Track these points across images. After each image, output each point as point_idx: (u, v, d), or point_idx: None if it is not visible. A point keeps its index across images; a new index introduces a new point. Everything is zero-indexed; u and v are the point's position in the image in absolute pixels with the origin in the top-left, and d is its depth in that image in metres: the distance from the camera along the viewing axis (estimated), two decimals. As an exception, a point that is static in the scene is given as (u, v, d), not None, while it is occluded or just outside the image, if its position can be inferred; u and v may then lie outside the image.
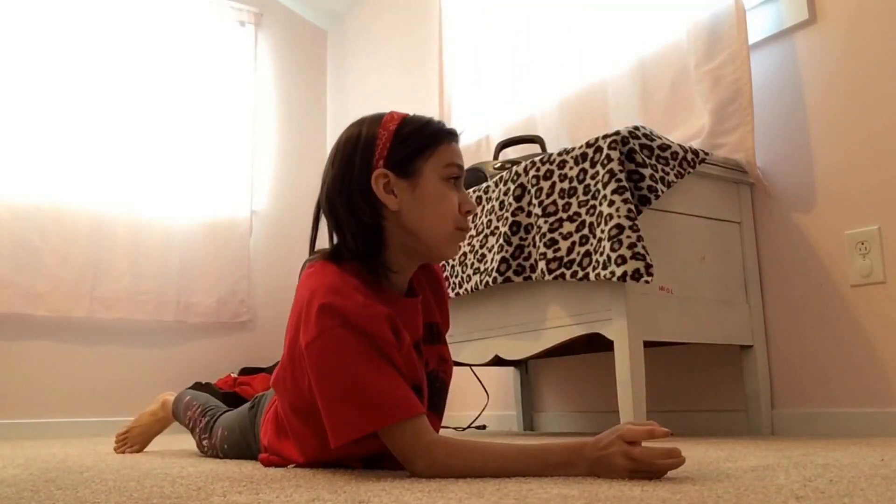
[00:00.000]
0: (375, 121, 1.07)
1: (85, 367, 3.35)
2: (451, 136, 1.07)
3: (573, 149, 1.80)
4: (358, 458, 1.09)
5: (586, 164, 1.76)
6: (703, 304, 1.83)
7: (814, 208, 1.88)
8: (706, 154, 1.87)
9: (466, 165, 2.37)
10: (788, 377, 1.90)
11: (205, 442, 1.57)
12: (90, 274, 3.32)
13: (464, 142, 2.97)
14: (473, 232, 2.08)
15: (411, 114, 1.09)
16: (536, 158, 1.91)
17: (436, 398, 1.15)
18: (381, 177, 1.03)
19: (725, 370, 2.03)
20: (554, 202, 1.82)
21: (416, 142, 1.04)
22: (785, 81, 1.96)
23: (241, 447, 1.42)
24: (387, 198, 1.03)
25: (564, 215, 1.79)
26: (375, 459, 1.09)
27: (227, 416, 1.53)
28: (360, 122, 1.09)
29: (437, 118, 1.11)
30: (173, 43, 3.72)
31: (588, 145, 1.77)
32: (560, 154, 1.84)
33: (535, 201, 1.87)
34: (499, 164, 2.16)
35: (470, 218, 1.07)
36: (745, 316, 1.92)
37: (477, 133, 2.92)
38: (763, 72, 1.99)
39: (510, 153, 2.33)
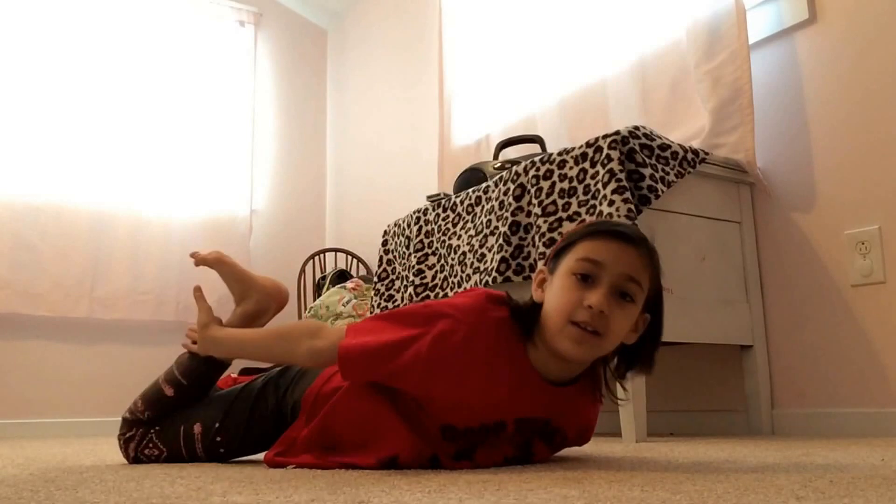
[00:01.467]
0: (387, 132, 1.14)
1: (84, 367, 3.35)
2: (603, 234, 1.02)
3: (573, 148, 1.80)
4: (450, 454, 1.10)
5: (586, 164, 1.76)
6: (703, 304, 1.83)
7: (814, 208, 1.88)
8: (706, 154, 1.87)
9: (466, 165, 2.38)
10: (788, 377, 1.90)
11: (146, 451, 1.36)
12: (90, 274, 3.32)
13: (464, 141, 2.97)
14: (473, 231, 2.08)
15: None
16: (536, 158, 1.91)
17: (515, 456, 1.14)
18: (539, 273, 1.09)
19: (725, 370, 2.03)
20: (554, 202, 1.82)
21: (567, 240, 1.06)
22: (785, 81, 1.96)
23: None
24: (535, 291, 1.07)
25: (564, 215, 1.79)
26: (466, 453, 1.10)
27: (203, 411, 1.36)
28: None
29: (616, 223, 1.09)
30: (173, 42, 3.72)
31: (588, 145, 1.76)
32: (560, 154, 1.84)
33: (534, 201, 1.87)
34: (499, 164, 2.16)
35: (590, 314, 0.98)
36: (746, 316, 1.92)
37: (477, 133, 2.92)
38: (763, 71, 1.99)
39: (510, 153, 2.33)
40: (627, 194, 1.65)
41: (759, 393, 1.89)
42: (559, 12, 2.58)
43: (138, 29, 3.63)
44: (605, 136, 1.73)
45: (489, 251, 1.98)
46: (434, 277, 2.26)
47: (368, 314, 2.65)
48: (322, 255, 3.77)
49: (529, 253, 1.88)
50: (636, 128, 1.76)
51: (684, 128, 2.08)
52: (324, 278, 3.50)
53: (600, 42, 2.41)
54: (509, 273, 1.89)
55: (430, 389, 1.05)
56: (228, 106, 3.85)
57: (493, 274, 1.91)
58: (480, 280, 1.98)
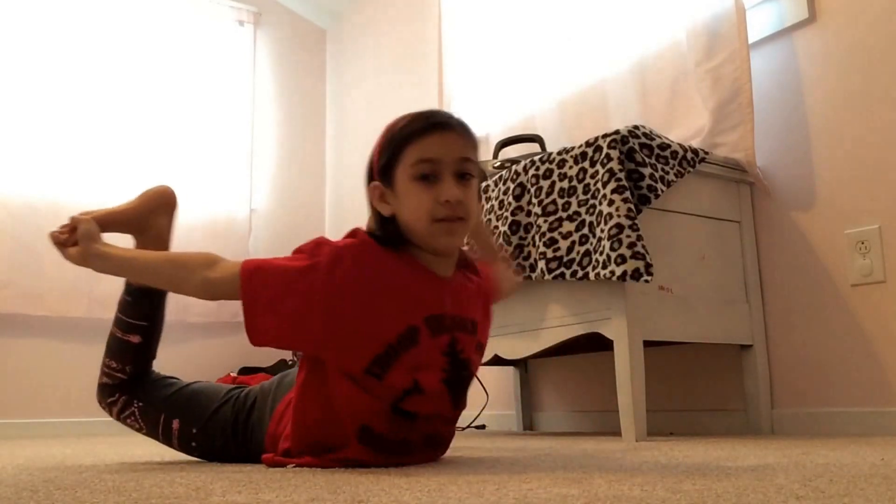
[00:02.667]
0: (381, 129, 1.13)
1: (84, 366, 3.33)
2: (424, 131, 1.06)
3: (573, 148, 1.80)
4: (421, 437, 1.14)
5: (586, 164, 1.76)
6: (702, 303, 1.83)
7: (814, 207, 1.88)
8: (706, 153, 1.87)
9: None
10: (788, 377, 1.90)
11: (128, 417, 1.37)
12: (88, 274, 3.30)
13: (463, 141, 2.97)
14: (473, 231, 2.08)
15: (402, 118, 1.11)
16: (536, 157, 1.91)
17: (459, 386, 1.16)
18: (375, 189, 1.11)
19: (725, 370, 2.03)
20: (553, 201, 1.82)
21: (389, 150, 1.08)
22: (785, 80, 1.96)
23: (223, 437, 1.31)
24: (381, 206, 1.10)
25: (564, 214, 1.79)
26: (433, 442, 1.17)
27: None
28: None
29: (430, 109, 1.12)
30: (172, 42, 3.72)
31: (588, 144, 1.76)
32: (560, 153, 1.84)
33: (534, 200, 1.87)
34: (498, 164, 2.16)
35: (449, 207, 1.04)
36: (745, 315, 1.92)
37: (476, 132, 2.91)
38: (763, 71, 1.99)
39: (510, 152, 2.33)
40: (627, 194, 1.65)
41: (759, 392, 1.89)
42: (559, 12, 2.57)
43: (137, 28, 3.63)
44: (604, 136, 1.73)
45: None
46: (372, 218, 2.25)
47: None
48: (321, 255, 3.77)
49: (529, 252, 1.88)
50: (636, 127, 1.76)
51: (684, 127, 2.08)
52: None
53: (600, 41, 2.41)
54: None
55: (341, 316, 1.04)
56: (227, 105, 3.85)
57: (493, 273, 1.91)
58: (480, 280, 1.98)
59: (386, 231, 1.11)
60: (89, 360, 3.42)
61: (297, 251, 1.10)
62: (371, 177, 1.12)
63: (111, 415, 1.40)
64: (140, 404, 1.36)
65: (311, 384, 1.12)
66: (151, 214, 1.41)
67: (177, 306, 3.51)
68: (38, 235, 3.24)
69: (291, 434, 1.16)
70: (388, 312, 1.07)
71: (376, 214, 1.12)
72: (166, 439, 1.36)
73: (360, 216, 3.87)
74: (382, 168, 1.09)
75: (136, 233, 1.42)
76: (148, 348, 1.39)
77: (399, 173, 1.07)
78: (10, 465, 1.36)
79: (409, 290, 1.09)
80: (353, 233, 1.13)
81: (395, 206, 1.09)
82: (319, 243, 1.08)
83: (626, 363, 1.66)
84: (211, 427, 1.32)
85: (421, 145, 1.06)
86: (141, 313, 1.37)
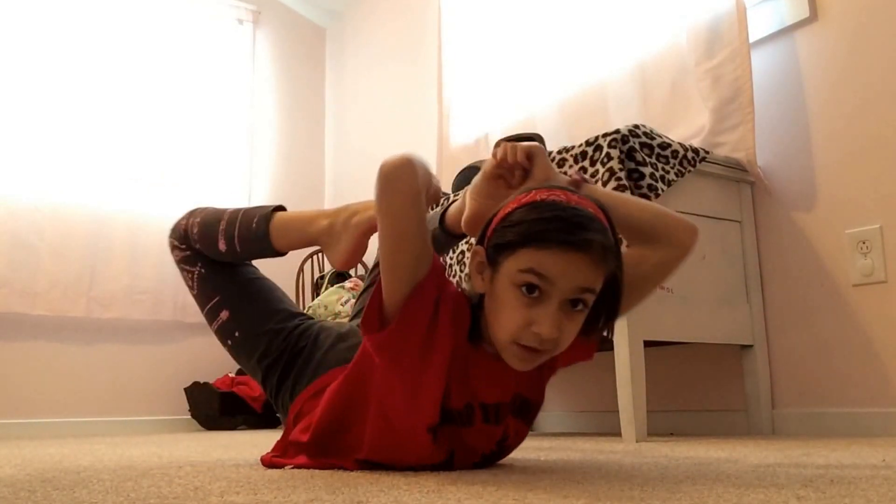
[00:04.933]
0: (513, 197, 0.96)
1: (82, 366, 3.34)
2: (552, 241, 0.86)
3: (573, 147, 1.80)
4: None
5: (586, 163, 1.76)
6: (703, 303, 1.82)
7: (815, 207, 1.88)
8: (706, 153, 1.87)
9: (465, 164, 2.37)
10: (789, 377, 1.90)
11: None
12: (87, 273, 3.31)
13: (463, 140, 2.96)
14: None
15: (552, 198, 0.90)
16: (536, 157, 1.91)
17: (488, 461, 1.09)
18: (476, 255, 0.95)
19: (726, 370, 2.02)
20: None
21: (506, 234, 0.90)
22: (786, 80, 1.96)
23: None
24: (475, 276, 0.95)
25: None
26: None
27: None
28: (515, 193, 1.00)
29: (575, 207, 0.89)
30: (171, 41, 3.71)
31: (588, 144, 1.76)
32: (560, 152, 1.83)
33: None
34: (498, 163, 2.15)
35: (540, 339, 0.88)
36: (746, 315, 1.91)
37: (476, 132, 2.92)
38: (764, 70, 1.99)
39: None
40: (627, 193, 1.65)
41: (760, 393, 1.89)
42: (559, 11, 2.57)
43: (136, 27, 3.62)
44: (605, 135, 1.73)
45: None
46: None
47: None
48: (320, 255, 3.76)
49: (529, 252, 1.88)
50: (636, 126, 1.75)
51: (684, 126, 2.07)
52: (322, 278, 3.50)
53: (600, 41, 2.41)
54: (509, 272, 1.89)
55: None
56: (227, 104, 3.85)
57: (493, 273, 1.90)
58: (480, 279, 1.97)
59: (475, 304, 0.98)
60: (87, 360, 3.44)
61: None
62: (483, 234, 0.96)
63: (171, 253, 1.33)
64: (203, 271, 1.29)
65: (353, 393, 1.04)
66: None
67: (174, 306, 3.52)
68: (36, 234, 3.23)
69: (315, 428, 1.08)
70: (453, 385, 0.97)
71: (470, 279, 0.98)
72: (209, 319, 1.31)
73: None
74: (493, 246, 0.92)
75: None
76: (223, 259, 1.30)
77: (505, 267, 0.90)
78: (8, 465, 1.36)
79: (476, 371, 0.98)
80: (449, 282, 1.00)
81: (487, 292, 0.94)
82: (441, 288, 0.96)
83: (626, 363, 1.65)
84: (252, 344, 1.25)
85: (541, 255, 0.86)
86: (246, 248, 1.28)
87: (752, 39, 1.97)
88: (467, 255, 2.07)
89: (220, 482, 0.94)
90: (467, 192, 1.10)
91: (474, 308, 0.98)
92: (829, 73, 1.87)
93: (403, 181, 0.91)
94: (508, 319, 0.89)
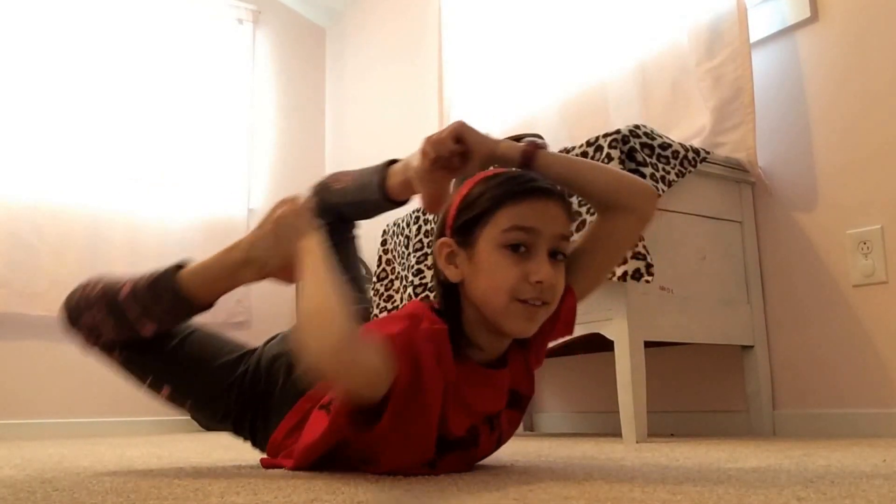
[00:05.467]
0: (456, 185, 0.99)
1: (82, 366, 3.31)
2: (524, 194, 0.90)
3: (573, 147, 1.80)
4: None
5: (586, 163, 1.75)
6: (703, 304, 1.82)
7: (815, 207, 1.88)
8: (707, 153, 1.87)
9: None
10: (790, 377, 1.89)
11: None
12: (87, 273, 3.27)
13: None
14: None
15: (493, 173, 0.95)
16: (536, 157, 1.91)
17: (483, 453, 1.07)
18: (444, 246, 0.95)
19: (726, 370, 2.02)
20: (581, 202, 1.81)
21: (475, 207, 0.92)
22: (786, 80, 1.96)
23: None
24: (447, 268, 0.95)
25: (589, 217, 1.79)
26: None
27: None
28: (455, 184, 1.01)
29: (524, 174, 0.94)
30: (170, 41, 3.71)
31: (588, 144, 1.76)
32: (560, 152, 1.83)
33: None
34: (498, 163, 2.15)
35: (539, 286, 0.89)
36: (746, 316, 1.91)
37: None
38: (764, 70, 1.99)
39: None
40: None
41: (760, 393, 1.89)
42: (559, 11, 2.57)
43: (135, 27, 3.62)
44: (605, 135, 1.72)
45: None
46: (434, 278, 2.25)
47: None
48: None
49: (529, 252, 1.87)
50: (636, 127, 1.75)
51: (685, 127, 2.07)
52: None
53: (601, 41, 2.40)
54: (509, 273, 1.88)
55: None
56: (226, 104, 3.85)
57: (493, 273, 1.90)
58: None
59: (447, 303, 0.96)
60: (87, 360, 3.41)
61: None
62: (441, 231, 0.97)
63: (69, 333, 1.18)
64: (124, 353, 1.19)
65: (333, 441, 0.99)
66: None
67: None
68: (36, 234, 3.23)
69: (300, 463, 1.05)
70: (451, 416, 0.94)
71: (439, 277, 0.97)
72: (153, 395, 1.22)
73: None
74: (462, 225, 0.93)
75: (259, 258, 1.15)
76: (148, 345, 1.18)
77: (484, 236, 0.91)
78: (8, 466, 1.36)
79: (472, 389, 0.95)
80: (417, 310, 0.96)
81: (467, 273, 0.93)
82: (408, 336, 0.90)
83: (626, 364, 1.65)
84: (210, 408, 1.21)
85: (519, 210, 0.90)
86: (170, 320, 1.17)
87: (752, 39, 1.96)
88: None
89: (220, 483, 0.94)
90: (412, 172, 1.11)
91: (450, 317, 0.95)
92: (831, 73, 1.87)
93: (321, 345, 0.83)
94: (503, 278, 0.90)
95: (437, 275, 0.98)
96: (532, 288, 0.90)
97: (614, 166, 1.68)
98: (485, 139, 1.03)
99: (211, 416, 1.23)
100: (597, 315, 1.74)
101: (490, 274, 0.91)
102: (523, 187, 0.91)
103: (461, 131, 1.02)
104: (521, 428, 2.58)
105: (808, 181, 1.89)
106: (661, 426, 2.05)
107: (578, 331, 1.79)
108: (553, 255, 0.92)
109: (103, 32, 3.53)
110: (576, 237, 1.03)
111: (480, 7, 2.96)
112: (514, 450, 1.51)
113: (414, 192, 1.19)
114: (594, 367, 2.40)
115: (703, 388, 2.09)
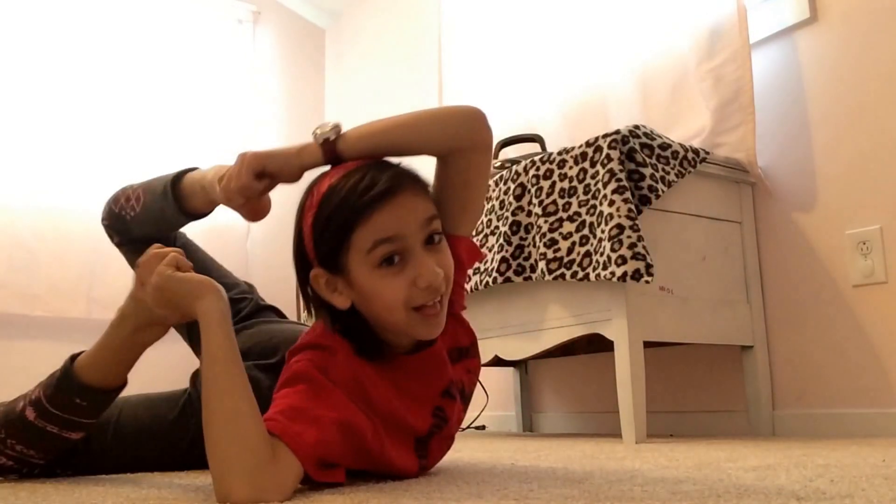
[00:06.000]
0: (300, 210, 0.91)
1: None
2: (371, 205, 0.83)
3: (573, 148, 1.80)
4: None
5: (586, 164, 1.76)
6: (703, 304, 1.82)
7: (815, 208, 1.88)
8: (707, 153, 1.87)
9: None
10: (789, 378, 1.89)
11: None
12: (87, 274, 3.31)
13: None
14: (473, 231, 2.07)
15: (332, 184, 0.87)
16: (536, 158, 1.91)
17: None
18: (319, 277, 0.88)
19: (726, 371, 2.02)
20: (554, 202, 1.81)
21: (330, 238, 0.85)
22: (786, 80, 1.96)
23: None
24: (332, 297, 0.88)
25: (564, 215, 1.79)
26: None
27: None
28: (298, 207, 0.93)
29: (366, 175, 0.85)
30: (170, 41, 3.71)
31: (588, 144, 1.76)
32: (560, 153, 1.83)
33: (535, 201, 1.86)
34: (498, 164, 2.16)
35: (430, 287, 0.85)
36: (746, 316, 1.91)
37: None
38: (764, 71, 1.99)
39: (510, 152, 2.32)
40: (627, 194, 1.65)
41: (760, 393, 1.89)
42: (559, 12, 2.57)
43: (135, 28, 3.62)
44: (605, 136, 1.72)
45: (489, 251, 1.97)
46: (316, 307, 2.23)
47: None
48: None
49: (530, 253, 1.88)
50: (636, 127, 1.75)
51: (685, 127, 2.07)
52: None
53: (601, 41, 2.40)
54: (510, 273, 1.89)
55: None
56: (226, 105, 3.84)
57: (494, 274, 1.91)
58: (481, 281, 1.97)
59: (349, 326, 0.90)
60: (88, 361, 3.42)
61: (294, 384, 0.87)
62: (304, 262, 0.90)
63: None
64: (67, 471, 1.12)
65: None
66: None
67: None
68: (36, 235, 3.23)
69: None
70: (409, 416, 0.93)
71: (325, 307, 0.90)
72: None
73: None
74: (325, 256, 0.87)
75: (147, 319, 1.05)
76: (86, 436, 1.10)
77: (352, 261, 0.85)
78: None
79: (405, 408, 0.92)
80: (319, 336, 0.92)
81: (354, 297, 0.87)
82: (306, 376, 0.86)
83: (626, 364, 1.65)
84: (183, 461, 1.17)
85: (374, 224, 0.83)
86: (95, 413, 1.06)
87: (752, 40, 1.96)
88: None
89: (219, 482, 0.94)
90: (221, 198, 1.06)
91: (356, 334, 0.90)
92: (830, 73, 1.87)
93: (235, 480, 0.75)
94: (392, 294, 0.84)
95: (322, 305, 0.91)
96: (424, 292, 0.85)
97: (614, 167, 1.67)
98: (286, 160, 0.97)
99: (187, 466, 1.19)
100: (597, 315, 1.74)
101: (377, 295, 0.85)
102: (368, 198, 0.83)
103: (258, 166, 0.97)
104: (520, 428, 2.59)
105: (808, 181, 1.89)
106: (660, 426, 2.05)
107: (578, 331, 1.79)
108: (428, 241, 0.86)
109: (103, 34, 3.52)
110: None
111: (481, 9, 2.96)
112: (514, 450, 1.51)
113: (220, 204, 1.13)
114: (594, 367, 2.41)
115: (703, 389, 2.09)
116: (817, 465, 1.01)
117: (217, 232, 3.64)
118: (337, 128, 0.95)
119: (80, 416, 1.04)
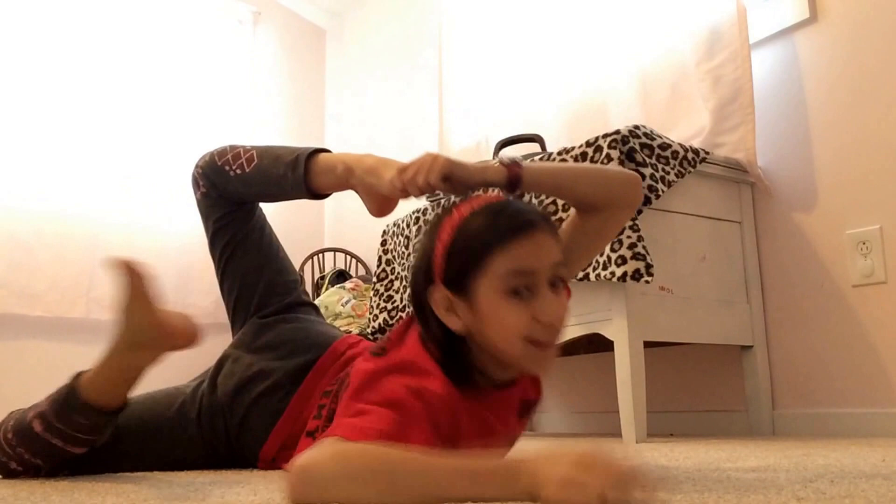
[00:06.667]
0: (434, 227, 0.92)
1: (82, 367, 3.33)
2: (512, 234, 0.85)
3: (573, 148, 1.80)
4: None
5: (586, 164, 1.75)
6: (703, 304, 1.82)
7: (815, 208, 1.88)
8: (707, 153, 1.87)
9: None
10: (789, 377, 1.89)
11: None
12: (87, 274, 3.31)
13: (463, 143, 2.96)
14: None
15: (478, 207, 0.89)
16: (536, 157, 1.91)
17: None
18: (439, 294, 0.89)
19: (726, 370, 2.02)
20: (554, 202, 1.81)
21: (464, 257, 0.87)
22: (786, 80, 1.96)
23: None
24: (448, 319, 0.89)
25: (564, 215, 1.79)
26: None
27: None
28: (430, 225, 0.94)
29: (500, 199, 0.90)
30: (170, 42, 3.71)
31: (588, 144, 1.76)
32: (560, 153, 1.83)
33: (534, 201, 1.86)
34: (498, 164, 2.15)
35: (552, 324, 0.87)
36: (746, 316, 1.91)
37: (476, 134, 2.92)
38: (764, 71, 1.99)
39: (509, 152, 2.32)
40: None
41: (760, 393, 1.89)
42: (559, 12, 2.57)
43: (135, 28, 3.61)
44: (604, 136, 1.72)
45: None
46: (427, 327, 2.24)
47: (367, 314, 2.64)
48: (321, 255, 3.76)
49: (529, 253, 1.88)
50: (636, 127, 1.75)
51: (684, 127, 2.07)
52: (322, 278, 3.50)
53: (601, 42, 2.40)
54: (509, 273, 1.89)
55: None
56: (226, 105, 3.84)
57: (493, 274, 1.90)
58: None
59: (453, 354, 0.90)
60: (88, 361, 3.40)
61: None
62: (428, 277, 0.90)
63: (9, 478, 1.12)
64: (66, 473, 1.14)
65: None
66: (164, 341, 1.07)
67: (174, 307, 3.50)
68: (35, 235, 3.23)
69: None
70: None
71: (440, 327, 0.90)
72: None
73: (358, 217, 3.82)
74: (453, 275, 0.88)
75: (136, 337, 1.07)
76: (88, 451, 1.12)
77: (481, 284, 0.86)
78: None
79: (485, 444, 0.91)
80: (413, 354, 0.91)
81: (471, 322, 0.88)
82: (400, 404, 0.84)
83: (626, 364, 1.65)
84: (182, 459, 1.18)
85: (512, 253, 0.85)
86: (97, 431, 1.09)
87: (752, 40, 1.96)
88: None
89: (219, 484, 0.94)
90: (362, 184, 1.09)
91: (457, 361, 0.90)
92: (829, 73, 1.87)
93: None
94: (514, 326, 0.86)
95: (434, 323, 0.91)
96: (545, 329, 0.87)
97: (614, 166, 1.68)
98: (473, 172, 1.00)
99: (187, 464, 1.20)
100: (597, 315, 1.74)
101: (499, 323, 0.86)
102: (509, 226, 0.86)
103: (449, 170, 0.98)
104: (520, 428, 2.59)
105: (808, 181, 1.89)
106: (660, 426, 2.05)
107: (578, 331, 1.79)
108: (553, 284, 0.88)
109: (103, 35, 3.52)
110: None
111: (481, 9, 2.96)
112: (513, 449, 1.51)
113: (343, 190, 1.17)
114: (594, 367, 2.40)
115: (703, 388, 2.09)
116: (817, 464, 1.01)
117: (217, 232, 3.65)
118: (519, 158, 1.03)
119: (82, 433, 1.07)
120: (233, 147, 1.33)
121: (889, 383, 1.70)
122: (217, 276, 1.35)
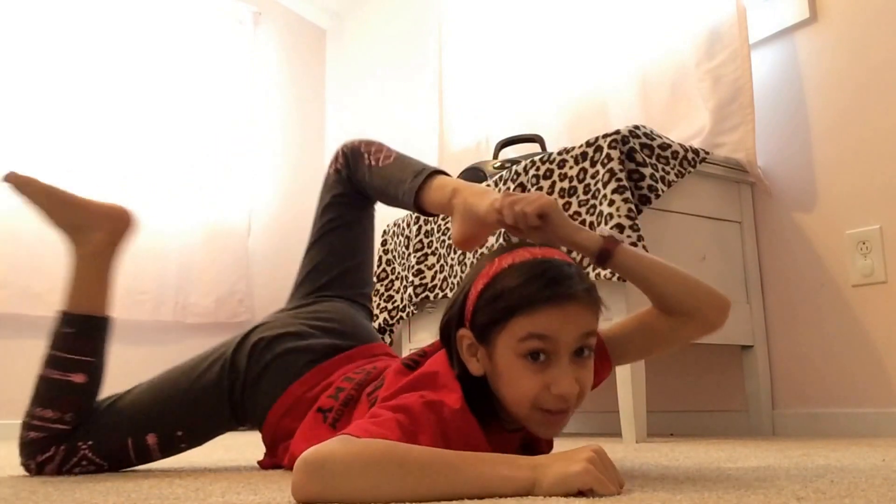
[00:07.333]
0: (477, 269, 0.92)
1: (84, 367, 3.34)
2: (542, 302, 0.83)
3: (573, 148, 1.80)
4: None
5: (586, 164, 1.76)
6: (703, 303, 1.82)
7: (815, 208, 1.88)
8: (707, 153, 1.87)
9: (465, 166, 2.38)
10: (789, 377, 1.90)
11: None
12: (88, 274, 3.31)
13: (463, 142, 2.96)
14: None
15: (519, 261, 0.87)
16: (536, 158, 1.91)
17: None
18: (465, 338, 0.90)
19: (726, 370, 2.02)
20: (554, 202, 1.81)
21: (491, 310, 0.86)
22: (786, 80, 1.96)
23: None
24: (469, 361, 0.90)
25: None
26: None
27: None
28: (476, 264, 0.94)
29: (547, 258, 0.87)
30: (171, 42, 3.71)
31: (588, 144, 1.76)
32: (560, 153, 1.83)
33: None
34: (498, 164, 2.16)
35: (562, 398, 0.84)
36: (746, 316, 1.91)
37: (476, 134, 2.92)
38: (764, 71, 1.99)
39: (510, 152, 2.32)
40: (627, 194, 1.65)
41: (760, 393, 1.89)
42: (559, 12, 2.57)
43: (136, 28, 3.62)
44: (605, 136, 1.73)
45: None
46: (433, 278, 2.26)
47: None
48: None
49: (529, 253, 1.88)
50: (636, 127, 1.75)
51: (684, 127, 2.08)
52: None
53: (601, 42, 2.40)
54: (509, 273, 1.89)
55: None
56: (226, 106, 3.84)
57: (493, 274, 1.90)
58: (480, 280, 1.97)
59: (474, 388, 0.90)
60: (89, 361, 3.43)
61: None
62: (459, 319, 0.91)
63: (41, 472, 1.16)
64: (90, 442, 1.18)
65: None
66: (95, 222, 1.30)
67: (175, 307, 3.51)
68: (37, 234, 3.23)
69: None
70: None
71: (461, 365, 0.90)
72: (143, 459, 1.21)
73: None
74: (479, 325, 0.87)
75: (73, 233, 1.36)
76: (94, 387, 1.20)
77: (501, 341, 0.85)
78: (8, 466, 1.36)
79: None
80: (442, 374, 0.91)
81: (488, 370, 0.88)
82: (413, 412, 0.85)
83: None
84: (201, 426, 1.21)
85: (535, 318, 0.83)
86: (88, 347, 1.19)
87: (752, 40, 1.97)
88: (470, 257, 2.07)
89: (220, 482, 0.94)
90: (463, 206, 1.09)
91: (475, 395, 0.89)
92: (829, 73, 1.87)
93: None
94: (524, 389, 0.84)
95: (457, 359, 0.91)
96: (555, 399, 0.84)
97: (614, 166, 1.68)
98: (567, 225, 0.99)
99: (205, 429, 1.23)
100: (596, 315, 1.74)
101: (510, 382, 0.86)
102: (541, 293, 0.83)
103: (548, 211, 0.96)
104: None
105: (808, 181, 1.89)
106: (660, 426, 2.05)
107: (578, 331, 1.79)
108: (579, 352, 0.86)
109: (104, 35, 3.52)
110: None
111: (481, 10, 2.96)
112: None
113: (446, 214, 1.18)
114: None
115: (703, 388, 2.09)
116: (817, 464, 1.01)
117: (218, 231, 3.66)
118: (620, 237, 1.01)
119: (74, 353, 1.19)
120: (381, 144, 1.38)
121: (889, 383, 1.70)
122: (308, 242, 1.40)
